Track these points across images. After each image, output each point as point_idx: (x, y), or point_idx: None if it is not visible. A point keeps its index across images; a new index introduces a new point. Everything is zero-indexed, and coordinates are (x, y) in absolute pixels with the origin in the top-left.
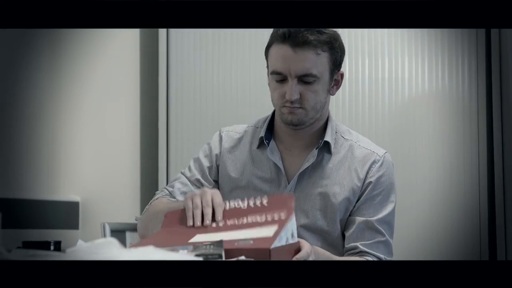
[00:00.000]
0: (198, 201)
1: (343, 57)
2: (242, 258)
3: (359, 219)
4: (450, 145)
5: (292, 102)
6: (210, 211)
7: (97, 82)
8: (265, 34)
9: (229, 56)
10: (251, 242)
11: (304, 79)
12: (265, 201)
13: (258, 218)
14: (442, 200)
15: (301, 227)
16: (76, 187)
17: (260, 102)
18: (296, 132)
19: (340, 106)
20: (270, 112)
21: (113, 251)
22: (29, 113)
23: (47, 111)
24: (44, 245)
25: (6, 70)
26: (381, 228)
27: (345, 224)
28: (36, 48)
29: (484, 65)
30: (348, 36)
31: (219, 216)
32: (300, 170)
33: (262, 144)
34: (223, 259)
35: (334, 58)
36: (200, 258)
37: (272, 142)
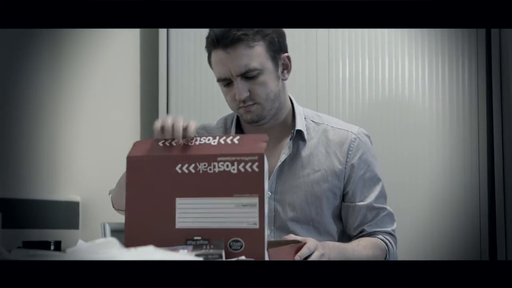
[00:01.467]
0: (169, 123)
1: (283, 39)
2: (242, 258)
3: (358, 205)
4: (450, 145)
5: (244, 102)
6: (179, 139)
7: (97, 82)
8: None
9: None
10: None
11: (247, 75)
12: (236, 139)
13: (230, 166)
14: (442, 200)
15: (291, 220)
16: (76, 187)
17: None
18: (263, 128)
19: (340, 105)
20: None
21: (113, 251)
22: (29, 113)
23: (47, 111)
24: (44, 245)
25: (6, 70)
26: (380, 205)
27: (342, 212)
28: (36, 48)
29: (484, 65)
30: (349, 36)
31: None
32: (278, 163)
33: None
34: (223, 259)
35: (271, 44)
36: (200, 258)
37: None
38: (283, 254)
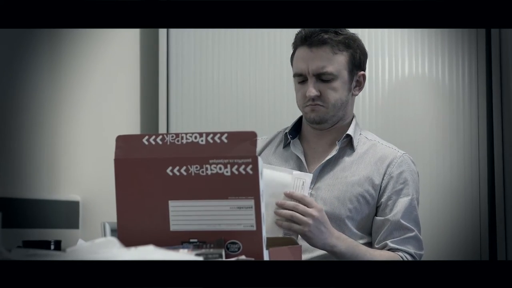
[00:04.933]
0: None
1: (364, 59)
2: (243, 257)
3: (387, 220)
4: (450, 145)
5: (313, 100)
6: None
7: (97, 82)
8: (265, 34)
9: (229, 56)
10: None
11: (322, 77)
12: (224, 137)
13: (223, 169)
14: (442, 200)
15: None
16: (76, 187)
17: (260, 102)
18: (321, 132)
19: None
20: (274, 114)
21: (113, 250)
22: (29, 113)
23: (47, 111)
24: (44, 245)
25: (6, 70)
26: (408, 225)
27: (373, 226)
28: (36, 48)
29: (484, 65)
30: None
31: None
32: (322, 162)
33: (288, 142)
34: (223, 259)
35: (353, 58)
36: (200, 258)
37: (296, 139)
38: (280, 255)
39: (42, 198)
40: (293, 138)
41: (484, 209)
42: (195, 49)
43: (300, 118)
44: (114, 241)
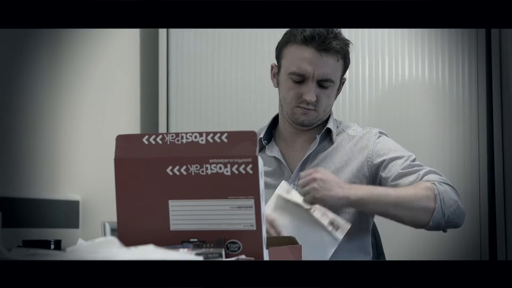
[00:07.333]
0: None
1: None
2: (243, 257)
3: (394, 182)
4: (450, 145)
5: (308, 103)
6: None
7: (97, 82)
8: (265, 34)
9: (229, 56)
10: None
11: (323, 84)
12: (224, 137)
13: (223, 168)
14: None
15: None
16: (76, 186)
17: (260, 101)
18: (300, 131)
19: (340, 105)
20: (274, 113)
21: (113, 250)
22: (29, 113)
23: (47, 110)
24: (44, 244)
25: (6, 70)
26: (416, 166)
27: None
28: (36, 48)
29: (484, 65)
30: (348, 36)
31: None
32: (304, 157)
33: (262, 147)
34: (223, 258)
35: (345, 66)
36: (200, 258)
37: (271, 142)
38: (280, 255)
39: (42, 198)
40: (268, 142)
41: (484, 209)
42: (195, 49)
43: (274, 119)
44: (114, 240)
